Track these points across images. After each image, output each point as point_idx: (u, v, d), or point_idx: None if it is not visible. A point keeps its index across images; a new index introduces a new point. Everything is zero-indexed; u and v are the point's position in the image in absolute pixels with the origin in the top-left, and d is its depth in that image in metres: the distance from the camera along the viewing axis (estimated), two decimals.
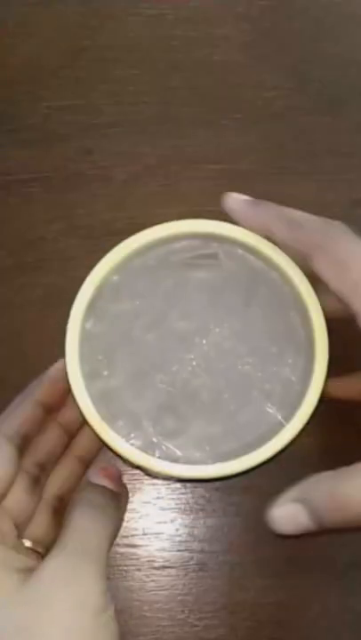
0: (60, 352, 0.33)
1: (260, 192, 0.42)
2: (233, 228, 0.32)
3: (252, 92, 0.44)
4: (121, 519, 0.31)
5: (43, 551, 0.30)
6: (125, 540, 0.37)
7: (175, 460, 0.28)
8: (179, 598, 0.36)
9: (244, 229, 0.32)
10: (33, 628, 0.25)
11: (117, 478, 0.31)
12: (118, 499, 0.31)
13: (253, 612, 0.36)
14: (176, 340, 0.31)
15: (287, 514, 0.27)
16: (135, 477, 0.37)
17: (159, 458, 0.28)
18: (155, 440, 0.29)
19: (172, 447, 0.29)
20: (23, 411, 0.32)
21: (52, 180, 0.42)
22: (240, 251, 0.32)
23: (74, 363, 0.29)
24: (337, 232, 0.30)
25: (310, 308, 0.30)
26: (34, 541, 0.31)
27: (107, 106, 0.43)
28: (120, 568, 0.36)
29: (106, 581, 0.27)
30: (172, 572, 0.36)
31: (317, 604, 0.36)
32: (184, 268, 0.32)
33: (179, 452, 0.29)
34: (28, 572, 0.27)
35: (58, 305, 0.39)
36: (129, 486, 0.37)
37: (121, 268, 0.31)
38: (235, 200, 0.32)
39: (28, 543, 0.30)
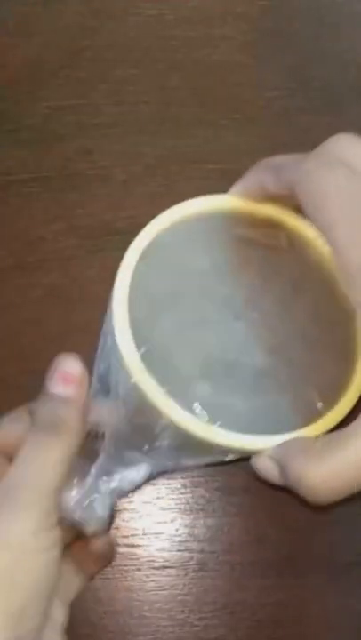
0: (65, 345, 0.33)
1: None
2: (296, 220, 0.32)
3: (252, 91, 0.44)
4: (80, 435, 0.28)
5: None
6: (125, 540, 0.37)
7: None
8: (179, 598, 0.36)
9: (305, 222, 0.32)
10: None
11: (79, 381, 0.28)
12: (77, 411, 0.28)
13: (253, 611, 0.36)
14: (221, 306, 0.30)
15: (266, 467, 0.29)
16: None
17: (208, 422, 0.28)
18: (193, 405, 0.29)
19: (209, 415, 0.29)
20: None
21: (52, 180, 0.42)
22: (301, 240, 0.32)
23: (122, 315, 0.29)
24: (311, 165, 0.28)
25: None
26: None
27: (107, 106, 0.43)
28: (120, 568, 0.36)
29: (44, 519, 0.25)
30: (172, 572, 0.36)
31: (317, 603, 0.36)
32: (242, 242, 0.32)
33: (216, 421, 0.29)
34: None
35: (58, 305, 0.40)
36: None
37: (176, 227, 0.31)
38: (234, 188, 0.32)
39: None
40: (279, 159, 0.30)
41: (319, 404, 0.29)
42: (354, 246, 0.26)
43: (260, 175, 0.31)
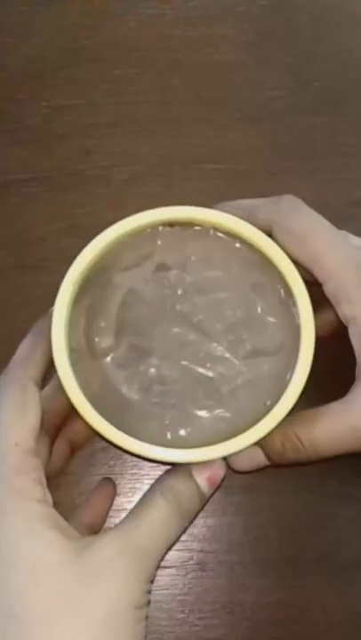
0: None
1: (259, 192, 0.42)
2: (211, 212, 0.32)
3: (252, 91, 0.44)
4: (186, 526, 0.30)
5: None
6: None
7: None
8: (179, 598, 0.36)
9: (221, 213, 0.32)
10: (79, 597, 0.26)
11: (217, 484, 0.31)
12: (202, 502, 0.30)
13: (253, 611, 0.36)
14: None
15: (245, 453, 0.30)
16: (135, 477, 0.37)
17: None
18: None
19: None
20: (43, 354, 0.32)
21: (52, 180, 0.42)
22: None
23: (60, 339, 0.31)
24: (286, 207, 0.32)
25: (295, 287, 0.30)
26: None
27: (107, 106, 0.43)
28: None
29: (150, 584, 0.28)
30: (172, 571, 0.36)
31: (317, 603, 0.36)
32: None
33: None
34: (79, 541, 0.27)
35: None
36: (128, 486, 0.37)
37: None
38: None
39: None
40: (249, 203, 0.33)
41: (268, 402, 0.30)
42: (348, 267, 0.30)
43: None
